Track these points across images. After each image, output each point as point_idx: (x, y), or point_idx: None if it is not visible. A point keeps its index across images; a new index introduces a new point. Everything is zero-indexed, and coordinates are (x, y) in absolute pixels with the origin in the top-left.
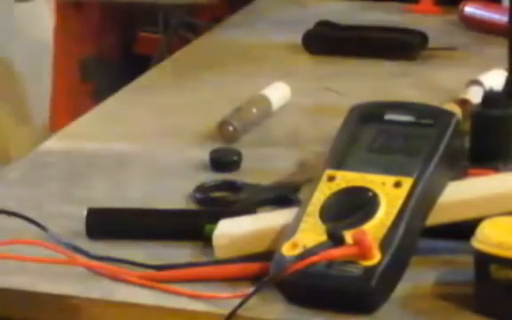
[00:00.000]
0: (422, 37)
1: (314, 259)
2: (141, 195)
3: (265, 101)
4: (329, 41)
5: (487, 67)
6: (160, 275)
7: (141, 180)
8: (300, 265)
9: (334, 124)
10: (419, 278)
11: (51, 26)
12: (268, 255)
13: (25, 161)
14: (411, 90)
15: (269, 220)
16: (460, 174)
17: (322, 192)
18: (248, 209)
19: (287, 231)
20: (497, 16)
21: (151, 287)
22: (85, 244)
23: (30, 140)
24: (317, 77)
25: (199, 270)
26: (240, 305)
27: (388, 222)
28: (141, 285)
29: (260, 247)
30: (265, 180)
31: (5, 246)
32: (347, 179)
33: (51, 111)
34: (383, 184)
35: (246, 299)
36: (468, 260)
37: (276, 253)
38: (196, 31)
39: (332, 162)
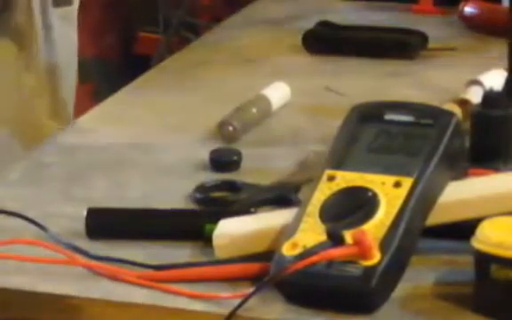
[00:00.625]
0: (422, 37)
1: (314, 259)
2: (141, 195)
3: (265, 101)
4: (329, 41)
5: (487, 67)
6: (160, 274)
7: (141, 179)
8: (300, 265)
9: (334, 124)
10: (419, 278)
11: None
12: (268, 255)
13: (25, 161)
14: (411, 90)
15: (269, 220)
16: (460, 174)
17: (322, 192)
18: (248, 209)
19: (287, 231)
20: (497, 16)
21: (151, 287)
22: (85, 244)
23: None
24: (317, 77)
25: (199, 270)
26: (240, 305)
27: (388, 222)
28: (141, 285)
29: (260, 247)
30: (265, 180)
31: (5, 246)
32: (346, 179)
33: None
34: (383, 184)
35: (246, 299)
36: (468, 259)
37: (276, 253)
38: (196, 31)
39: (331, 162)
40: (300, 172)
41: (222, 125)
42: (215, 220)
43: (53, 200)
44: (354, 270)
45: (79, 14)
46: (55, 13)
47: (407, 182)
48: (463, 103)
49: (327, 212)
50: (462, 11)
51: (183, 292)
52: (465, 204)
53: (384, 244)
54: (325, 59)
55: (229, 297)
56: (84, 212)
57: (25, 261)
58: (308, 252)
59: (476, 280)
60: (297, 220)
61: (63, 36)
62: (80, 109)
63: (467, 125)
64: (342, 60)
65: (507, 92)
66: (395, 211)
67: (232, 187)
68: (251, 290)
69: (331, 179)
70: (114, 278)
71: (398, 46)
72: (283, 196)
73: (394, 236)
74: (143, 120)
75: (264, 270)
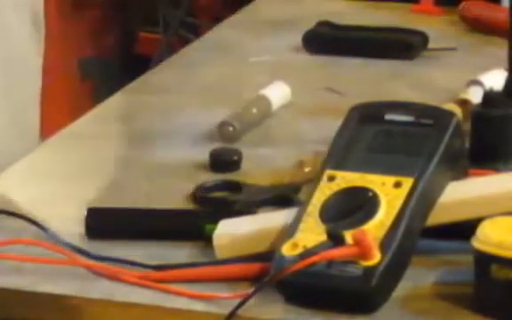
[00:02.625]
0: (422, 37)
1: (314, 259)
2: (141, 195)
3: (265, 101)
4: (329, 41)
5: (487, 67)
6: (160, 275)
7: (141, 179)
8: (300, 265)
9: (334, 124)
10: (419, 278)
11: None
12: (268, 255)
13: (25, 161)
14: (411, 90)
15: (269, 220)
16: (460, 174)
17: (322, 192)
18: (248, 209)
19: (287, 231)
20: (497, 16)
21: (151, 287)
22: (85, 243)
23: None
24: (317, 77)
25: (199, 270)
26: (240, 305)
27: (388, 222)
28: (141, 285)
29: (260, 247)
30: (265, 180)
31: (5, 246)
32: (347, 179)
33: (48, 112)
34: (383, 184)
35: (246, 299)
36: (468, 259)
37: (276, 253)
38: (196, 31)
39: (331, 162)
40: (300, 172)
41: (222, 125)
42: (215, 221)
43: (53, 200)
44: (354, 270)
45: (79, 13)
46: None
47: (407, 182)
48: (463, 103)
49: (327, 212)
50: (462, 11)
51: (183, 292)
52: (465, 204)
53: (384, 245)
54: (325, 59)
55: (229, 297)
56: (84, 212)
57: (25, 261)
58: (308, 252)
59: (476, 280)
60: (297, 221)
61: (20, 32)
62: (80, 109)
63: (467, 125)
64: (342, 60)
65: (507, 92)
66: (395, 211)
67: (232, 187)
68: (251, 290)
69: (331, 179)
70: (114, 278)
71: (398, 46)
72: (283, 195)
73: (394, 236)
74: (143, 120)
75: (264, 270)
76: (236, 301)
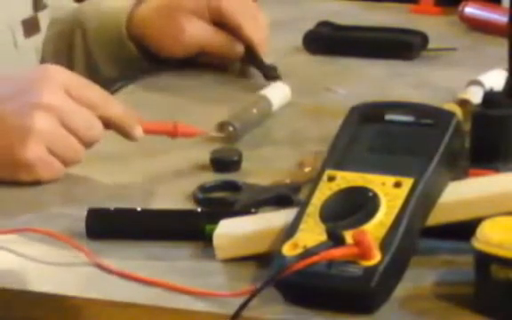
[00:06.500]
0: (422, 37)
1: (314, 259)
2: (141, 195)
3: (265, 101)
4: (329, 41)
5: (487, 67)
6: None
7: (141, 179)
8: (301, 265)
9: (334, 124)
10: (419, 278)
11: None
12: (268, 255)
13: None
14: (411, 90)
15: (270, 220)
16: (460, 174)
17: (322, 192)
18: (248, 209)
19: (287, 231)
20: (497, 16)
21: (151, 286)
22: (85, 244)
23: None
24: (317, 77)
25: None
26: (243, 306)
27: (389, 222)
28: (141, 285)
29: (260, 247)
30: (265, 180)
31: (5, 246)
32: (347, 179)
33: None
34: (383, 184)
35: (248, 300)
36: (468, 259)
37: (276, 253)
38: None
39: (332, 162)
40: (300, 172)
41: (222, 125)
42: (216, 221)
43: (53, 200)
44: (354, 270)
45: None
46: None
47: (407, 182)
48: (463, 103)
49: (327, 212)
50: (462, 11)
51: (183, 288)
52: (465, 204)
53: (384, 245)
54: (325, 59)
55: (229, 295)
56: (85, 213)
57: (25, 261)
58: (308, 252)
59: (476, 280)
60: (297, 221)
61: None
62: None
63: (467, 125)
64: (342, 60)
65: (507, 92)
66: (395, 211)
67: (232, 187)
68: (250, 289)
69: (331, 179)
70: (114, 278)
71: (398, 46)
72: (283, 195)
73: (394, 236)
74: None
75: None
76: (236, 300)
